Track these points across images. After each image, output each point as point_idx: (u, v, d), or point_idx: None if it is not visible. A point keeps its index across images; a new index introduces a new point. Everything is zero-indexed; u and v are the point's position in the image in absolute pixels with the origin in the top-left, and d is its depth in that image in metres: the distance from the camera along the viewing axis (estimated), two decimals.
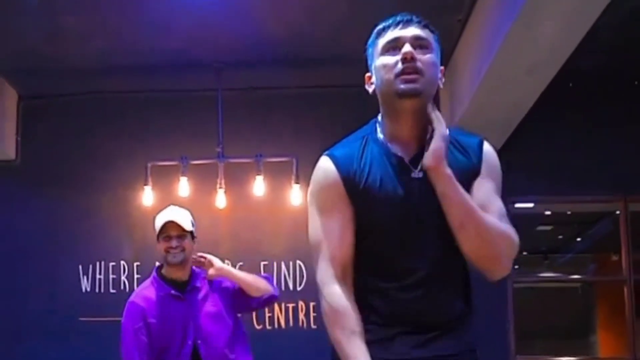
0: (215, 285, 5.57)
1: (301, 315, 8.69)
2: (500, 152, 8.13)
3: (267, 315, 8.64)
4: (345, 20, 7.49)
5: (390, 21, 2.89)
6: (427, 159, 2.71)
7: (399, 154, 2.85)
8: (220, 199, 8.35)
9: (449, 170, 2.72)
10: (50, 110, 9.17)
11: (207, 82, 8.54)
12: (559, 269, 15.52)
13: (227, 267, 5.62)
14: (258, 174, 8.44)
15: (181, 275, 5.52)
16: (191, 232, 5.54)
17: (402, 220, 2.80)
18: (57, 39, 7.83)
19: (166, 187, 8.61)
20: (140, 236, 8.80)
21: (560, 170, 8.76)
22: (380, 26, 2.93)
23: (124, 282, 8.79)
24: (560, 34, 6.05)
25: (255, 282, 5.60)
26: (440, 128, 2.71)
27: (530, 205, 9.37)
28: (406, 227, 2.81)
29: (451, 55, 8.06)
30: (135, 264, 8.78)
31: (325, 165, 2.89)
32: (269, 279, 5.78)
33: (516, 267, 14.83)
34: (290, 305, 8.70)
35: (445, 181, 2.72)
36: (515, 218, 8.05)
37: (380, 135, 2.90)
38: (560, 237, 14.10)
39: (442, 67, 2.93)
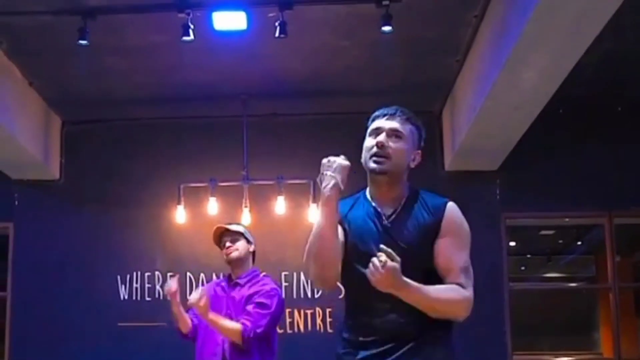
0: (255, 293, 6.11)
1: (318, 320, 9.13)
2: (496, 173, 8.90)
3: (288, 320, 9.07)
4: (351, 63, 8.13)
5: (380, 112, 3.58)
6: (380, 286, 3.19)
7: (378, 208, 3.50)
8: (246, 217, 8.68)
9: (405, 283, 3.20)
10: (92, 134, 9.62)
11: (233, 110, 8.99)
12: (562, 269, 15.99)
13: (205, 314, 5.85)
14: (279, 195, 8.87)
15: (237, 272, 6.24)
16: (243, 235, 6.27)
17: (373, 250, 3.28)
18: (100, 75, 8.39)
19: (197, 207, 9.04)
20: (173, 249, 9.31)
21: (551, 188, 9.27)
22: (375, 114, 3.61)
23: (158, 291, 9.20)
24: (540, 80, 6.77)
25: (224, 331, 5.94)
26: (390, 264, 3.13)
27: (523, 220, 9.94)
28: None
29: (451, 90, 8.70)
30: (168, 274, 8.92)
31: None
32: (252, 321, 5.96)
33: (522, 268, 15.51)
34: (309, 312, 9.16)
35: (407, 294, 3.24)
36: (516, 227, 8.77)
37: (367, 194, 3.58)
38: (560, 241, 14.42)
39: (418, 151, 3.60)
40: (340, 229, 3.49)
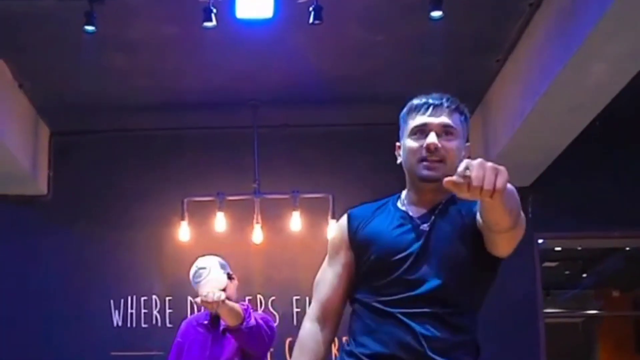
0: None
1: (334, 350, 8.53)
2: (529, 189, 8.26)
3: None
4: (383, 62, 7.56)
5: (423, 101, 3.01)
6: (500, 183, 2.39)
7: (412, 213, 3.01)
8: (257, 234, 8.30)
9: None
10: (83, 146, 9.12)
11: (243, 119, 8.51)
12: (561, 304, 15.54)
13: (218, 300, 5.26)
14: (294, 210, 8.39)
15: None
16: (227, 274, 5.69)
17: (399, 267, 2.91)
18: (98, 77, 7.79)
19: (203, 223, 8.58)
20: (173, 271, 8.70)
21: (589, 207, 8.75)
22: (414, 102, 3.05)
23: (156, 317, 8.75)
24: (609, 74, 6.13)
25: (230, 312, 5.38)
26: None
27: (558, 241, 9.49)
28: (404, 274, 2.91)
29: (484, 95, 8.13)
30: (167, 299, 8.72)
31: (342, 221, 3.20)
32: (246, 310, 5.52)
33: None
34: None
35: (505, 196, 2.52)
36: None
37: (399, 202, 3.07)
38: (567, 272, 13.97)
39: (468, 144, 3.08)
40: (349, 255, 3.12)
